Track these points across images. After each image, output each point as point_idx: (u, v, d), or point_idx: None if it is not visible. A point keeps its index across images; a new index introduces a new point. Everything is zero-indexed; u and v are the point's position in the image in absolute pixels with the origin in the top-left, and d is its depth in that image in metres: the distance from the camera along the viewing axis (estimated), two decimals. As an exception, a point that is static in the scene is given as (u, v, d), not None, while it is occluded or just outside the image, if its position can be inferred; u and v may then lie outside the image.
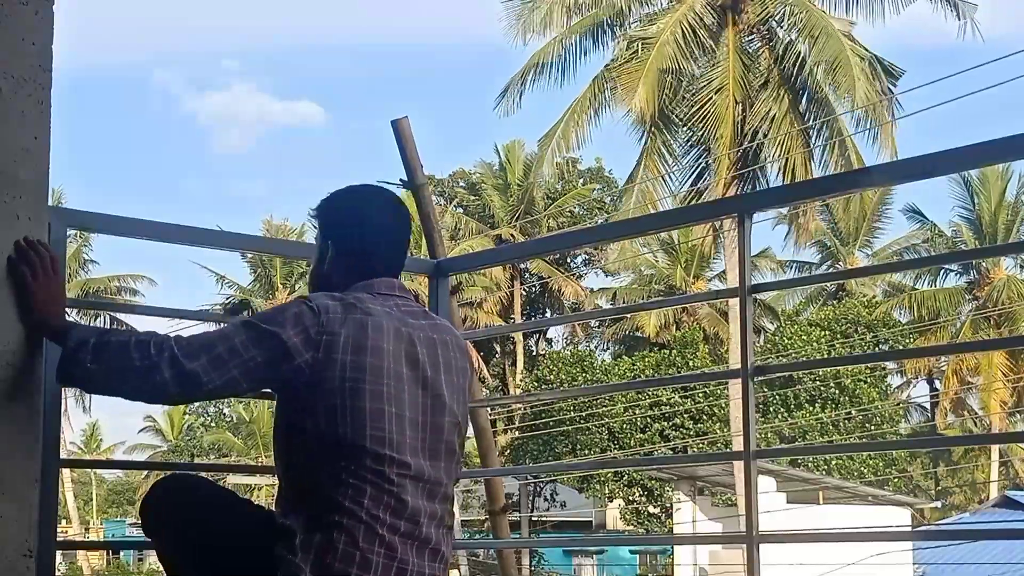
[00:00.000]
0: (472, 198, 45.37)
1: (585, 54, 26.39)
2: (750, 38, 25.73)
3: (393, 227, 3.19)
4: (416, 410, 2.96)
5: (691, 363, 33.35)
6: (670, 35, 24.61)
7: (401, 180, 6.84)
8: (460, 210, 44.18)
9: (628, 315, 39.85)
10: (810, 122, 24.79)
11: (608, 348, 43.94)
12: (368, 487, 2.85)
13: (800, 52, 24.87)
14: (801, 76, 24.74)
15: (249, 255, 40.08)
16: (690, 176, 25.75)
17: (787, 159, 24.35)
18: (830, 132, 24.80)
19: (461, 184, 46.12)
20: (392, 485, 2.88)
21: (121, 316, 35.13)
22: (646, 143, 25.53)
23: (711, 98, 24.49)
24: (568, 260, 44.05)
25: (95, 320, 40.57)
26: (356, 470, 2.85)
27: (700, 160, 25.52)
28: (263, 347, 2.85)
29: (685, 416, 32.81)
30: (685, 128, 25.69)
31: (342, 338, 2.88)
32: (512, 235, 40.73)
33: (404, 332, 2.99)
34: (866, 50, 24.71)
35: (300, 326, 2.87)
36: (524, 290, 44.13)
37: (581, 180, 45.22)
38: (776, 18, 25.54)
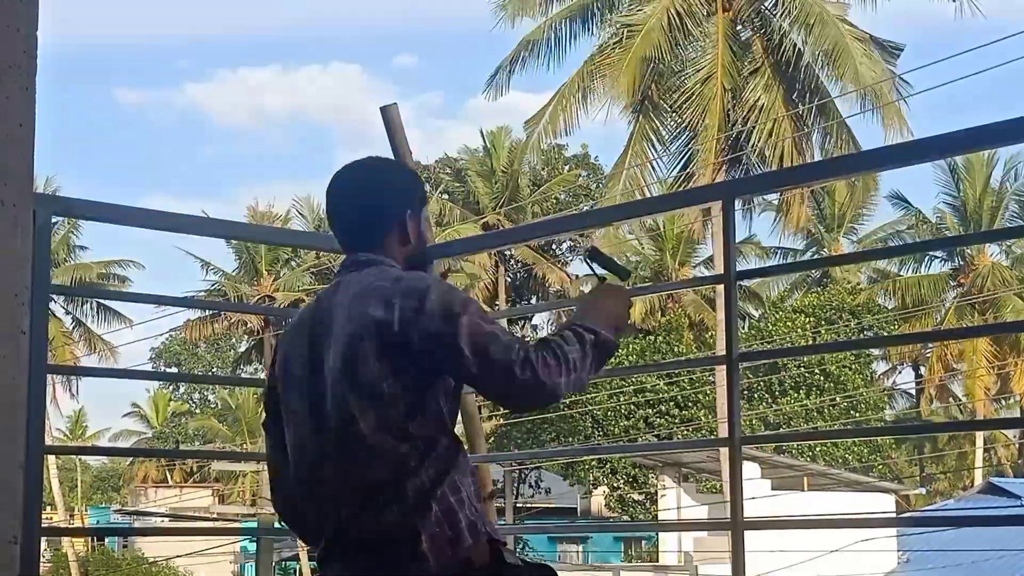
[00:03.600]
0: (457, 184, 45.29)
1: (575, 38, 26.35)
2: (741, 26, 25.68)
3: (328, 202, 2.91)
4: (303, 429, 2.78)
5: (676, 350, 33.35)
6: (657, 21, 24.55)
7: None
8: (445, 197, 44.11)
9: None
10: (803, 109, 24.74)
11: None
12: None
13: (795, 41, 24.82)
14: (795, 64, 24.70)
15: (234, 241, 39.95)
16: (678, 163, 25.76)
17: (777, 145, 24.29)
18: (826, 117, 24.74)
19: (446, 171, 46.06)
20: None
21: (108, 303, 34.83)
22: (633, 130, 25.49)
23: (697, 87, 24.46)
24: (553, 247, 44.02)
25: (82, 306, 40.53)
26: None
27: (688, 147, 25.51)
28: None
29: (670, 403, 32.82)
30: (673, 114, 25.63)
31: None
32: (498, 221, 40.66)
33: (316, 319, 2.77)
34: (863, 32, 24.66)
35: None
36: (509, 276, 44.09)
37: (567, 167, 45.17)
38: (768, 5, 25.48)
